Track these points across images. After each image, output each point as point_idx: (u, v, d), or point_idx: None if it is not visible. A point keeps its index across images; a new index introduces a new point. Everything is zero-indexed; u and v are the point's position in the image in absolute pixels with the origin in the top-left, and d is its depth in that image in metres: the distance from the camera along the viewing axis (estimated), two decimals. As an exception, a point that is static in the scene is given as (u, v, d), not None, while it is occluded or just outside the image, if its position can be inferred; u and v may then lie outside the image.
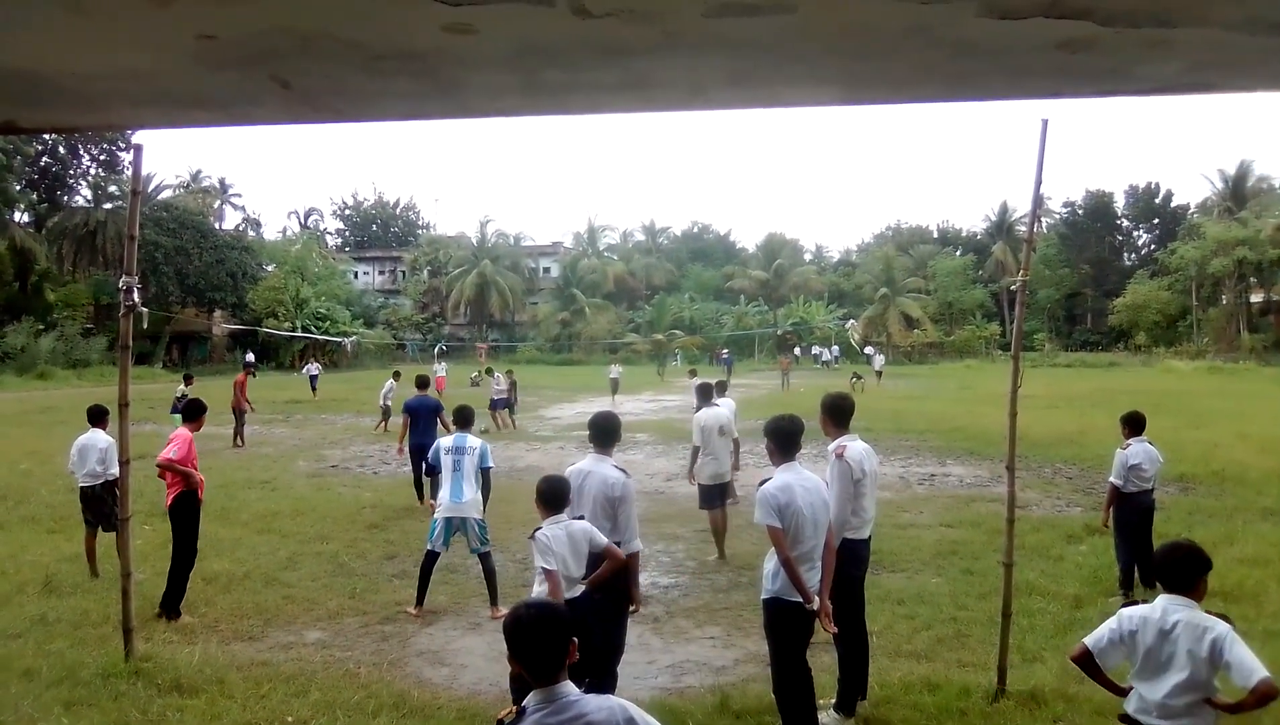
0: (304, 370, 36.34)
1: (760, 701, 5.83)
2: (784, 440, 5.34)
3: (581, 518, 5.48)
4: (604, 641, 5.57)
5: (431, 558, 8.29)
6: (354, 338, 59.88)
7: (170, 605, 7.86)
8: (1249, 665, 3.48)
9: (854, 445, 5.90)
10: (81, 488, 9.45)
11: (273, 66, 2.60)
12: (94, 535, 9.27)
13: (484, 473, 8.48)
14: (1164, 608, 3.74)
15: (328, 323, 60.00)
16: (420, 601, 8.19)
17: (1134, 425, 8.85)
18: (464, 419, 8.91)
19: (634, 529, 5.80)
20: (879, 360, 46.65)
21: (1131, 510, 8.59)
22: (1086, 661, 3.88)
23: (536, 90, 2.88)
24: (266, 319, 55.51)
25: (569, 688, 2.61)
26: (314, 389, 35.41)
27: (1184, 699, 3.65)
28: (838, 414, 6.03)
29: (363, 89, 2.84)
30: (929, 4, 2.19)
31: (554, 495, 5.37)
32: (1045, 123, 6.07)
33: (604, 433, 5.98)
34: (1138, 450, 8.65)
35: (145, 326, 8.83)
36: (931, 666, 6.66)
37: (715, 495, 10.40)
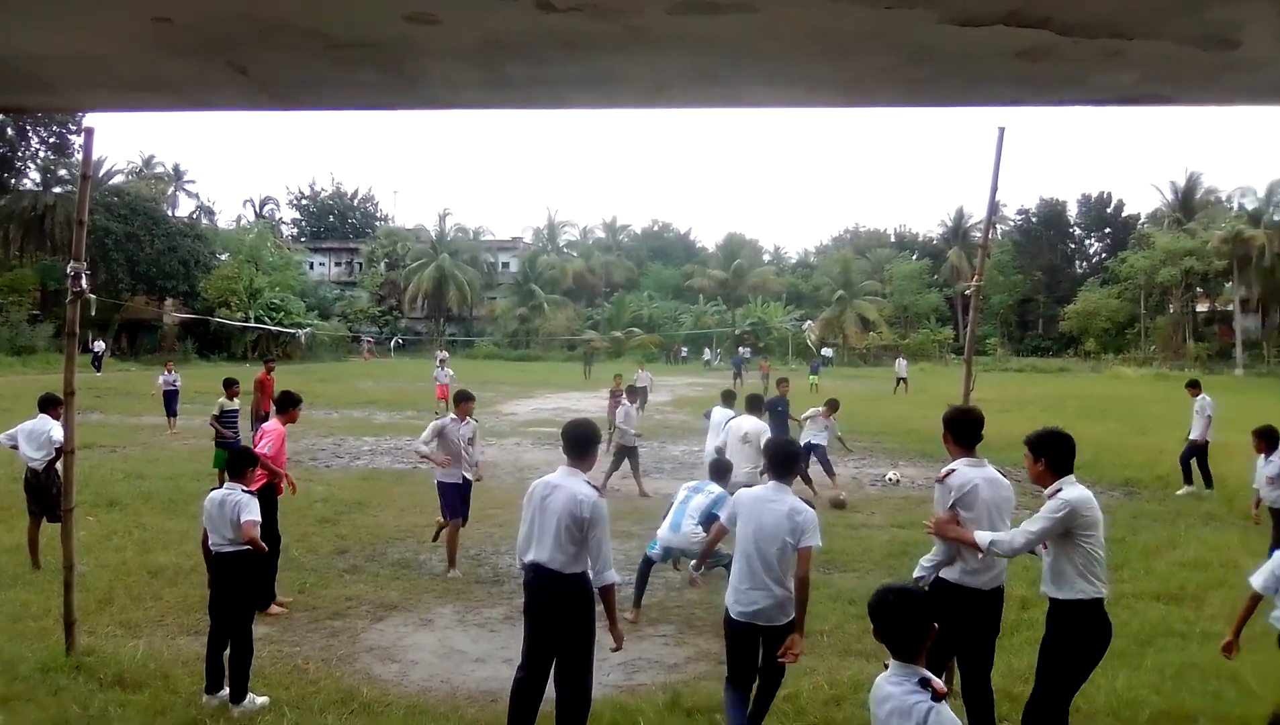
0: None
1: (711, 700, 5.86)
2: (771, 460, 5.50)
3: (252, 491, 6.20)
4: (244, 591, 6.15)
5: (647, 564, 8.46)
6: (308, 329, 59.01)
7: (263, 601, 7.61)
8: None
9: (965, 471, 5.05)
10: (25, 477, 9.26)
11: (230, 53, 2.56)
12: (38, 526, 9.07)
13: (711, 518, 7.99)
14: None
15: (281, 314, 59.00)
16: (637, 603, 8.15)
17: (1271, 439, 8.72)
18: (720, 471, 9.17)
19: (607, 558, 4.94)
20: (902, 365, 40.76)
21: None
22: (1253, 602, 5.14)
23: (499, 83, 2.86)
24: (219, 308, 54.42)
25: (922, 674, 2.89)
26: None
27: None
28: (963, 430, 5.19)
29: (323, 78, 2.81)
30: (891, 9, 2.22)
31: (230, 466, 6.42)
32: (1002, 131, 6.17)
33: (576, 442, 5.16)
34: None
35: (94, 314, 8.68)
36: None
37: None
